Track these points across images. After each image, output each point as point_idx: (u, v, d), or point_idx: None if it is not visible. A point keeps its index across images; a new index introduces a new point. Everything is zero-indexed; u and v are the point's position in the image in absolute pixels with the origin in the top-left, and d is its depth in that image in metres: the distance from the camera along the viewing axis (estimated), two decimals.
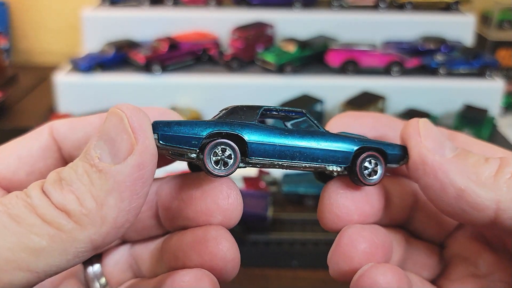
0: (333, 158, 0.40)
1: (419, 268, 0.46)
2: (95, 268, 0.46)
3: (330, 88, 1.69)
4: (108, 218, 0.32)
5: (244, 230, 1.26)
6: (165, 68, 1.74)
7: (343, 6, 1.98)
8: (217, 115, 0.40)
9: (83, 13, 1.90)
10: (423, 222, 0.46)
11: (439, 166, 0.38)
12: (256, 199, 1.30)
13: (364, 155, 0.41)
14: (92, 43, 1.88)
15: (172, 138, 0.36)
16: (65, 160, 0.43)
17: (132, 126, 0.33)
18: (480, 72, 1.75)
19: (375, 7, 1.97)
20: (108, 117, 0.34)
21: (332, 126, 0.46)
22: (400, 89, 1.72)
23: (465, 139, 0.44)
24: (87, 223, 0.31)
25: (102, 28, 1.91)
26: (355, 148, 0.41)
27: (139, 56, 1.74)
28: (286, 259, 1.23)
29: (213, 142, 0.36)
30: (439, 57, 1.76)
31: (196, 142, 0.36)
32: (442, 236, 0.47)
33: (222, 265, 0.37)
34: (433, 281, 0.44)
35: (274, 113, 0.42)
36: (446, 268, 0.45)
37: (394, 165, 0.42)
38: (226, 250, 0.37)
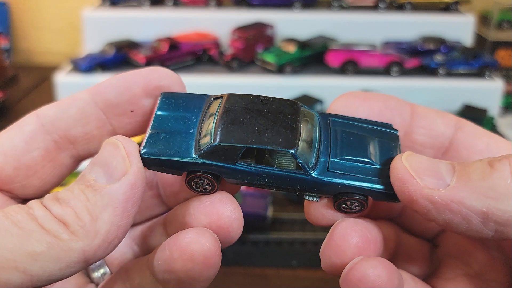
0: (311, 193, 0.41)
1: (409, 264, 0.46)
2: None
3: (330, 88, 1.69)
4: (101, 231, 0.34)
5: (244, 229, 1.26)
6: None
7: (343, 7, 1.98)
8: (215, 108, 0.41)
9: (83, 13, 1.90)
10: (412, 217, 0.46)
11: (451, 199, 0.35)
12: (256, 199, 1.30)
13: (342, 199, 0.40)
14: (93, 43, 1.89)
15: (157, 169, 0.40)
16: (57, 144, 0.43)
17: (127, 151, 0.37)
18: (480, 72, 1.75)
19: (374, 7, 1.97)
20: (103, 146, 0.37)
21: (337, 107, 0.45)
22: (399, 89, 1.72)
23: (471, 128, 0.43)
24: (82, 234, 0.34)
25: (102, 28, 1.91)
26: (335, 193, 0.40)
27: (140, 56, 1.74)
28: (286, 259, 1.23)
29: (192, 176, 0.40)
30: (438, 57, 1.77)
31: (178, 173, 0.40)
32: (433, 232, 0.47)
33: (228, 223, 0.40)
34: (424, 280, 0.44)
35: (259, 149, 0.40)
36: (438, 267, 0.44)
37: (383, 201, 0.41)
38: (231, 209, 0.40)
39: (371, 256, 0.38)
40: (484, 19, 2.10)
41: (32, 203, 0.35)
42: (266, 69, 1.77)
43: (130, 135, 0.43)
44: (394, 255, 0.46)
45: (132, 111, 0.43)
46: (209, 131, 0.39)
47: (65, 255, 0.33)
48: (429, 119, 0.44)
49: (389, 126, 0.43)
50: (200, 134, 0.40)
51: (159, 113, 0.42)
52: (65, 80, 1.72)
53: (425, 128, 0.43)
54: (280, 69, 1.74)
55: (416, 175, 0.36)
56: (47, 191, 0.44)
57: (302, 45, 1.79)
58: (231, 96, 0.42)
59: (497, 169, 0.34)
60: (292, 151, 0.38)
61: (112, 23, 1.92)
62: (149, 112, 0.43)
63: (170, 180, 0.46)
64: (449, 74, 1.75)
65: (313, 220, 0.42)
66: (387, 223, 0.47)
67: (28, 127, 0.42)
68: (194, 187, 0.40)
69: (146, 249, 0.47)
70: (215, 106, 0.42)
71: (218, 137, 0.38)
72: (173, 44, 1.77)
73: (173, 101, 0.43)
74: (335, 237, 0.39)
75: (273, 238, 1.26)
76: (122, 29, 1.91)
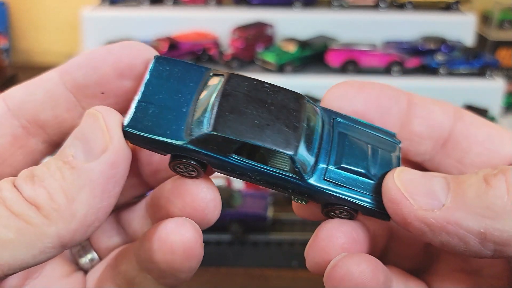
0: (301, 197, 0.39)
1: (402, 258, 0.44)
2: (83, 243, 0.45)
3: None
4: (77, 215, 0.32)
5: (244, 230, 1.26)
6: None
7: (343, 6, 1.97)
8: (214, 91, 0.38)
9: (82, 12, 1.90)
10: None
11: (446, 221, 0.33)
12: (256, 199, 1.29)
13: (331, 208, 0.38)
14: (92, 43, 1.88)
15: (139, 145, 0.37)
16: (26, 129, 0.40)
17: (108, 125, 0.34)
18: (481, 72, 1.75)
19: (375, 7, 1.97)
20: (84, 117, 0.34)
21: (332, 96, 0.42)
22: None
23: (471, 118, 0.42)
24: (56, 218, 0.31)
25: (102, 28, 1.91)
26: (326, 202, 0.38)
27: None
28: (286, 259, 1.23)
29: (177, 161, 0.37)
30: (439, 57, 1.76)
31: (162, 154, 0.37)
32: None
33: (203, 205, 0.38)
34: (419, 275, 0.42)
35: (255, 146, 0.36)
36: (433, 262, 0.43)
37: (374, 217, 0.39)
38: (206, 190, 0.38)
39: (355, 253, 0.36)
40: (485, 19, 2.10)
41: (2, 182, 0.33)
42: (266, 69, 1.77)
43: None
44: (386, 250, 0.45)
45: (103, 93, 0.39)
46: (204, 115, 0.36)
47: (38, 241, 0.31)
48: (427, 108, 0.42)
49: (392, 135, 0.41)
50: (193, 115, 0.37)
51: (150, 80, 0.38)
52: None
53: (422, 118, 0.42)
54: (280, 69, 1.73)
55: (409, 195, 0.35)
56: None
57: (303, 44, 1.78)
58: (233, 77, 0.38)
59: (493, 186, 0.33)
60: (292, 154, 0.35)
61: (112, 22, 1.92)
62: (122, 94, 0.39)
63: (148, 158, 0.43)
64: (450, 73, 1.74)
65: (301, 216, 0.42)
66: None
67: None
68: (178, 171, 0.38)
69: (132, 232, 0.45)
70: (213, 85, 0.38)
71: (214, 125, 0.35)
72: (173, 44, 1.77)
73: (168, 68, 0.39)
74: (320, 238, 0.38)
75: (273, 238, 1.26)
76: (121, 28, 1.90)
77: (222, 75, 0.38)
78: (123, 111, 0.38)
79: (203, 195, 0.38)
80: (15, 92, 0.39)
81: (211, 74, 0.39)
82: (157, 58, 0.39)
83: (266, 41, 1.84)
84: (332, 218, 0.39)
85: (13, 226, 0.30)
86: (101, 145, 0.33)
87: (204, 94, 0.38)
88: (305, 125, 0.37)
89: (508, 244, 0.32)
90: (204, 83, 0.38)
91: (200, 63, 1.84)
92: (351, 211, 0.38)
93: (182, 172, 0.38)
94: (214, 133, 0.35)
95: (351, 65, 1.75)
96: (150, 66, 0.38)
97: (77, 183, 0.32)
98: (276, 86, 0.38)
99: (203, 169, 0.37)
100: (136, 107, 0.36)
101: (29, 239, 0.31)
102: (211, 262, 1.20)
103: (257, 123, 0.36)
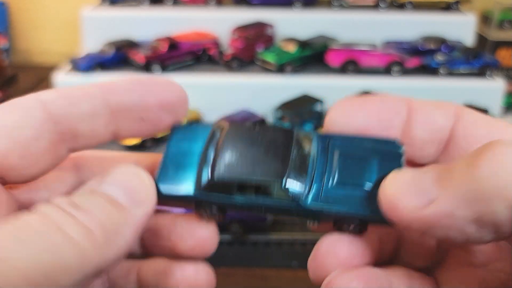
0: (306, 219, 0.41)
1: (413, 258, 0.45)
2: None
3: (330, 88, 1.68)
4: (114, 248, 0.34)
5: (244, 230, 1.26)
6: (165, 68, 1.73)
7: (343, 6, 1.97)
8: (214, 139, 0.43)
9: (82, 12, 1.90)
10: None
11: (440, 214, 0.32)
12: None
13: (340, 224, 0.40)
14: (92, 43, 1.88)
15: (165, 204, 0.41)
16: (61, 135, 0.40)
17: (149, 181, 0.38)
18: (481, 72, 1.75)
19: (375, 7, 1.97)
20: (122, 170, 0.38)
21: (335, 115, 0.42)
22: (400, 89, 1.71)
23: (471, 117, 0.41)
24: (102, 247, 0.33)
25: (102, 28, 1.91)
26: (332, 220, 0.40)
27: (139, 56, 1.74)
28: (286, 260, 1.23)
29: (199, 207, 0.41)
30: (439, 57, 1.76)
31: (185, 207, 0.41)
32: None
33: (202, 243, 0.42)
34: (430, 270, 0.42)
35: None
36: (444, 257, 0.43)
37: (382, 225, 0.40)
38: (205, 226, 0.41)
39: (349, 269, 0.37)
40: (485, 19, 2.10)
41: (46, 208, 0.33)
42: (266, 69, 1.77)
43: (131, 136, 0.43)
44: (397, 252, 0.45)
45: (142, 119, 0.42)
46: (207, 165, 0.40)
47: (82, 268, 0.32)
48: (426, 112, 0.42)
49: (392, 142, 0.42)
50: (199, 168, 0.41)
51: (170, 147, 0.43)
52: (64, 80, 1.71)
53: (423, 123, 0.41)
54: (280, 69, 1.73)
55: (402, 198, 0.34)
56: (35, 179, 0.41)
57: (303, 44, 1.78)
58: (229, 127, 0.43)
59: (479, 167, 0.31)
60: (280, 182, 0.38)
61: (112, 22, 1.92)
62: (158, 123, 0.43)
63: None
64: (450, 73, 1.74)
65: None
66: None
67: (37, 114, 0.39)
68: (201, 215, 0.42)
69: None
70: (215, 137, 0.43)
71: (211, 172, 0.39)
72: (173, 44, 1.77)
73: (183, 133, 0.44)
74: (319, 253, 0.38)
75: (273, 239, 1.26)
76: (121, 28, 1.90)
77: (222, 127, 0.43)
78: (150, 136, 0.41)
79: (202, 232, 0.41)
80: (56, 99, 0.40)
81: (215, 127, 0.44)
82: (174, 127, 0.44)
83: (266, 41, 1.84)
84: (344, 231, 0.40)
85: (70, 250, 0.31)
86: (145, 196, 0.37)
87: (207, 147, 0.42)
88: (294, 154, 0.40)
89: (505, 224, 0.31)
90: (209, 138, 0.43)
91: (200, 63, 1.85)
92: (359, 225, 0.39)
93: (204, 215, 0.42)
94: (213, 179, 0.39)
95: (351, 65, 1.75)
96: (170, 135, 0.44)
97: (121, 221, 0.34)
98: (266, 126, 0.43)
99: (223, 214, 0.41)
100: (160, 171, 0.41)
101: (79, 263, 0.32)
102: (211, 262, 1.20)
103: (249, 161, 0.39)
